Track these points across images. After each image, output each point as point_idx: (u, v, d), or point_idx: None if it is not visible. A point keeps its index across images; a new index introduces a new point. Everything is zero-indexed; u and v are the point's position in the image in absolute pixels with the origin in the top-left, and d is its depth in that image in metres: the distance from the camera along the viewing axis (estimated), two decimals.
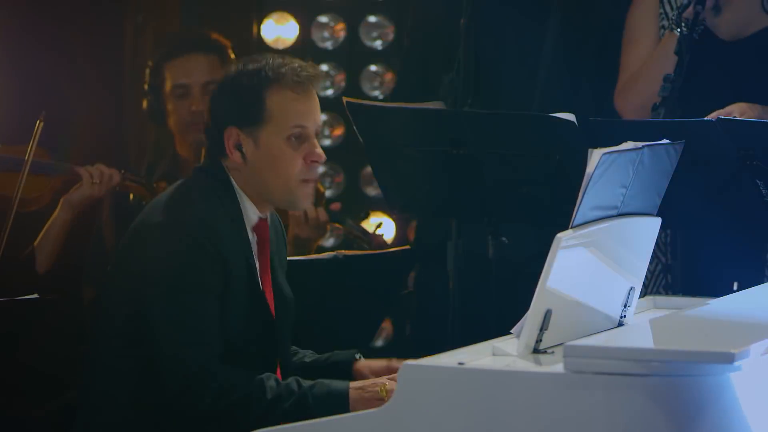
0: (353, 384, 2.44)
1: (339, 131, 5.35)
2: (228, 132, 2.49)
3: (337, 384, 2.43)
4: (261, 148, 2.50)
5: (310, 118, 2.51)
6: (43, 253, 3.95)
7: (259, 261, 2.54)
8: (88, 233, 4.28)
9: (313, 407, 2.35)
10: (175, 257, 2.39)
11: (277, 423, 2.32)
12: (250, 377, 2.37)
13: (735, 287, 3.15)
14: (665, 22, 3.69)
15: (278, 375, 2.50)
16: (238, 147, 2.50)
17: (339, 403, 2.37)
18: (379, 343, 5.03)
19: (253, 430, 2.34)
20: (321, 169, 2.61)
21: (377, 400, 2.36)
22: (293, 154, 2.48)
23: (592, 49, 4.25)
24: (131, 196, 4.19)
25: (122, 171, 4.14)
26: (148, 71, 4.46)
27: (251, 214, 2.53)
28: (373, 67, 5.38)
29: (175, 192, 2.54)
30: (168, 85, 4.28)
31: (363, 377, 2.57)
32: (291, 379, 2.41)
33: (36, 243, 3.96)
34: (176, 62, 4.31)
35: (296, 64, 2.52)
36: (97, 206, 4.17)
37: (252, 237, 2.53)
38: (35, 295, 2.79)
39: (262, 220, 2.55)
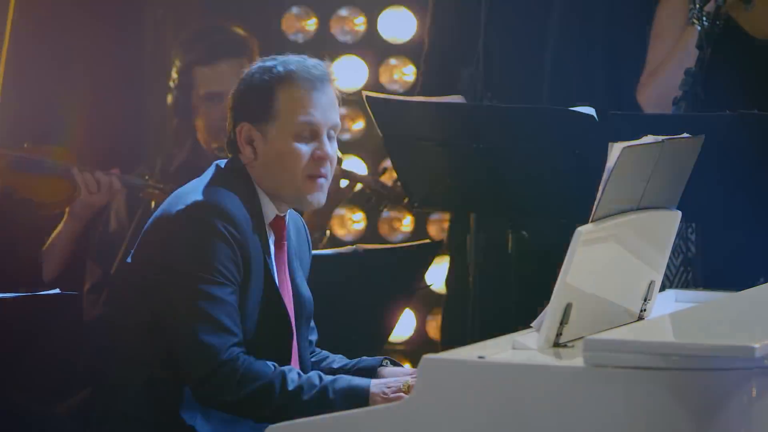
0: (375, 381, 2.46)
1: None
2: (240, 127, 2.52)
3: (358, 380, 2.46)
4: (269, 144, 2.53)
5: (319, 116, 2.51)
6: (49, 261, 3.98)
7: (276, 259, 2.56)
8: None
9: (333, 401, 2.38)
10: (196, 247, 2.40)
11: (296, 415, 2.34)
12: (272, 368, 2.39)
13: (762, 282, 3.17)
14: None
15: None
16: (250, 142, 2.53)
17: (359, 398, 2.39)
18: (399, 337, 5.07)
19: (272, 421, 2.37)
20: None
21: (398, 397, 2.38)
22: (299, 151, 2.49)
23: (600, 42, 4.27)
24: (153, 203, 4.23)
25: (146, 177, 4.18)
26: (175, 69, 4.51)
27: (268, 210, 2.56)
28: (393, 61, 5.40)
29: (196, 183, 2.57)
30: (200, 90, 4.35)
31: None
32: (313, 373, 2.44)
33: (43, 249, 3.99)
34: (208, 69, 4.39)
35: (309, 62, 2.54)
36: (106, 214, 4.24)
37: (269, 233, 2.56)
38: (56, 290, 2.80)
39: (279, 218, 2.57)
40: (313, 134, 2.53)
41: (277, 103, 2.52)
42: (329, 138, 2.56)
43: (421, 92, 4.55)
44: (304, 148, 2.50)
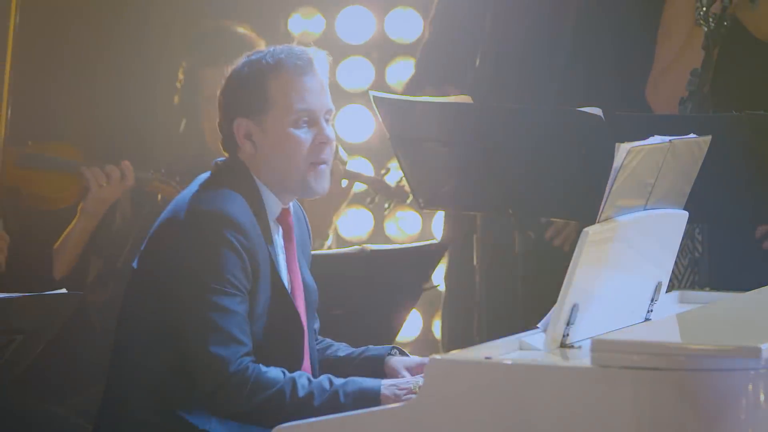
0: (385, 382, 2.45)
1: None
2: (237, 123, 2.52)
3: (369, 382, 2.44)
4: (268, 135, 2.52)
5: (314, 101, 2.51)
6: (61, 259, 3.95)
7: (286, 251, 2.57)
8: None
9: (344, 405, 2.38)
10: (206, 257, 2.39)
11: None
12: (283, 375, 2.38)
13: None
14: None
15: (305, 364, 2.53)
16: (248, 137, 2.52)
17: (371, 401, 2.39)
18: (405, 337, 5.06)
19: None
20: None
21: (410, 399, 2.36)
22: (299, 138, 2.49)
23: (610, 43, 4.27)
24: (159, 196, 4.22)
25: (151, 171, 4.16)
26: (181, 70, 4.50)
27: (273, 205, 2.55)
28: (399, 61, 5.40)
29: (197, 187, 2.56)
30: (206, 92, 4.31)
31: (396, 374, 2.58)
32: (323, 377, 2.43)
33: (54, 247, 3.97)
34: (214, 71, 4.33)
35: (296, 49, 2.54)
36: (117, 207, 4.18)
37: (275, 227, 2.55)
38: (63, 290, 2.80)
39: (285, 210, 2.57)
40: (310, 120, 2.52)
41: (271, 92, 2.50)
42: (326, 122, 2.55)
43: (412, 81, 4.56)
44: (304, 135, 2.49)
